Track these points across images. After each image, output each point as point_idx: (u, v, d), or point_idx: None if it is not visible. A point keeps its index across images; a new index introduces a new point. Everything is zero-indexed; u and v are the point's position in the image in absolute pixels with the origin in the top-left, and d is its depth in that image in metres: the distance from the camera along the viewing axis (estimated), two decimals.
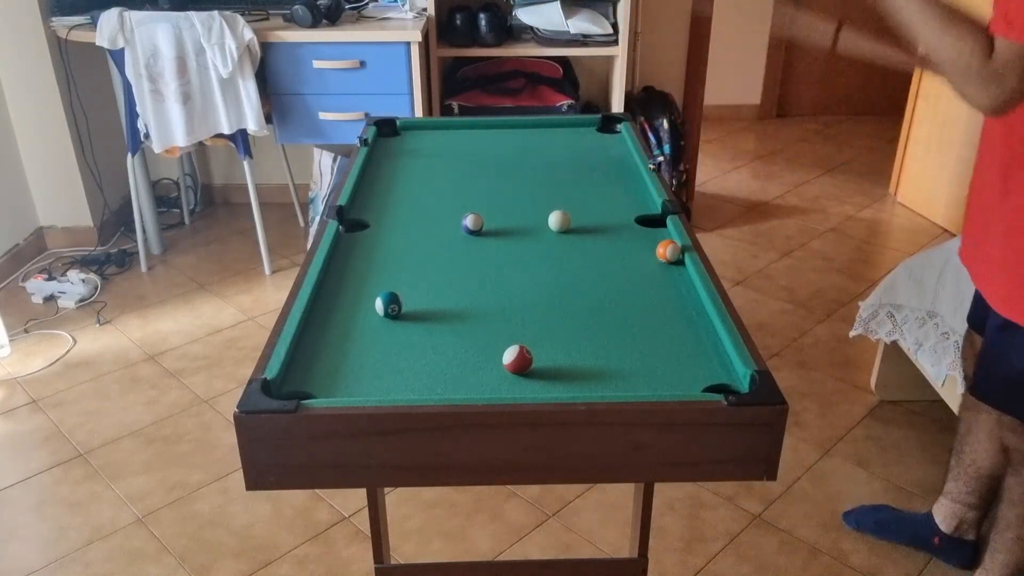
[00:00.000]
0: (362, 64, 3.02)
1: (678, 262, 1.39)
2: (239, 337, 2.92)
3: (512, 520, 2.10)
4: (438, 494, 2.18)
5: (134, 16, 2.85)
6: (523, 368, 1.10)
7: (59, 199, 3.45)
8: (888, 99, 5.16)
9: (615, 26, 3.19)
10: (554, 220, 1.52)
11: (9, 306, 3.11)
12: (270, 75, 3.06)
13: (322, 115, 3.10)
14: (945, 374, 2.11)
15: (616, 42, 3.20)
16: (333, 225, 1.51)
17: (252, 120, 3.05)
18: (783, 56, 5.14)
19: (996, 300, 1.54)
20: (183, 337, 2.92)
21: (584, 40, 3.18)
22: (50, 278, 3.20)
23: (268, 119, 3.15)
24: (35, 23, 3.14)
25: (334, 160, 3.26)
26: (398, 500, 2.16)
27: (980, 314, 1.70)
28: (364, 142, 1.92)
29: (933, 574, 1.95)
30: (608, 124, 2.05)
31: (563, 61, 3.41)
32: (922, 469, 2.28)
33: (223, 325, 3.00)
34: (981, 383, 1.71)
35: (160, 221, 3.58)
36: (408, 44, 3.00)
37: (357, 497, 2.16)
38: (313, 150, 3.38)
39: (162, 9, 2.96)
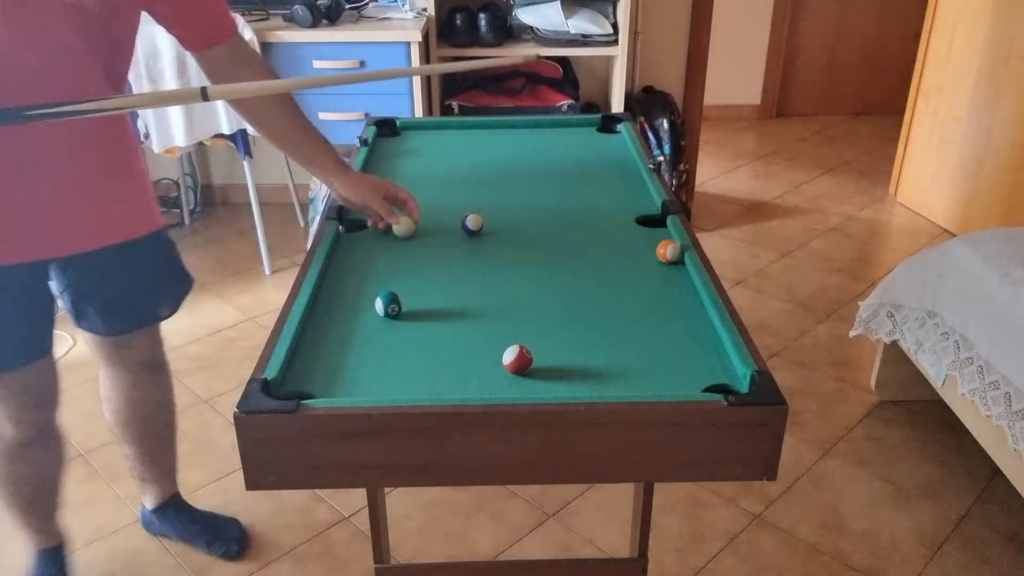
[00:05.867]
0: (362, 64, 3.02)
1: (678, 262, 1.39)
2: (239, 337, 2.92)
3: (512, 520, 2.10)
4: (438, 494, 2.18)
5: None
6: (523, 368, 1.10)
7: None
8: (888, 99, 5.16)
9: (615, 26, 3.19)
10: (401, 225, 1.51)
11: None
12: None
13: (322, 115, 3.10)
14: (945, 374, 2.11)
15: (616, 42, 3.19)
16: (333, 225, 1.51)
17: None
18: (783, 56, 5.14)
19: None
20: (183, 337, 2.92)
21: (584, 40, 3.18)
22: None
23: None
24: None
25: None
26: (398, 500, 2.16)
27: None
28: (364, 142, 1.92)
29: (932, 574, 1.95)
30: (608, 124, 2.05)
31: (563, 61, 3.41)
32: (922, 469, 2.28)
33: (223, 325, 3.00)
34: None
35: None
36: (408, 44, 3.00)
37: (357, 497, 2.16)
38: None
39: None
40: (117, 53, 1.49)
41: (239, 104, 1.57)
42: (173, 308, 1.78)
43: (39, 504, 1.83)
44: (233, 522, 2.05)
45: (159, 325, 1.81)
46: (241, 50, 1.57)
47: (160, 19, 1.50)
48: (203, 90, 1.14)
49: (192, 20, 1.51)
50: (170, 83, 2.93)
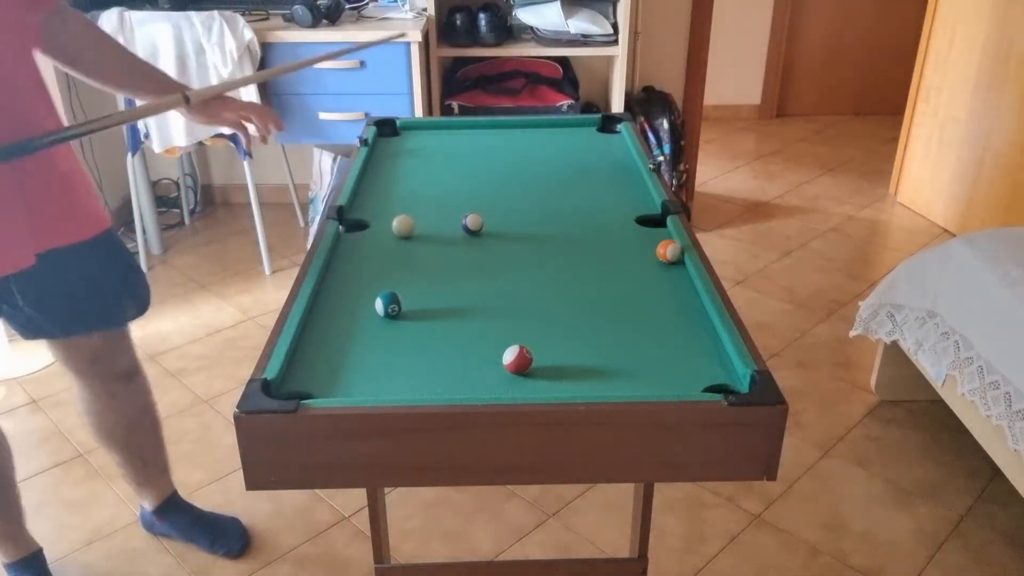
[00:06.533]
0: (362, 64, 3.02)
1: (678, 262, 1.39)
2: (239, 337, 2.92)
3: (512, 520, 2.10)
4: (438, 494, 2.18)
5: (134, 16, 2.85)
6: (523, 368, 1.10)
7: None
8: (888, 99, 5.16)
9: (615, 26, 3.19)
10: (399, 225, 1.51)
11: None
12: None
13: (322, 115, 3.10)
14: (945, 374, 2.11)
15: (616, 42, 3.19)
16: (333, 225, 1.51)
17: None
18: (783, 56, 5.14)
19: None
20: (183, 337, 2.92)
21: (584, 40, 3.18)
22: None
23: None
24: None
25: (334, 160, 3.26)
26: (398, 500, 2.16)
27: None
28: (364, 142, 1.93)
29: (932, 574, 1.95)
30: (608, 124, 2.06)
31: (563, 61, 3.41)
32: (922, 469, 2.28)
33: (223, 325, 3.00)
34: None
35: (160, 221, 3.58)
36: (408, 44, 3.00)
37: (357, 497, 2.16)
38: (313, 150, 3.38)
39: (162, 9, 2.96)
40: (29, 58, 1.47)
41: (76, 63, 1.61)
42: (139, 310, 1.73)
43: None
44: (234, 521, 2.05)
45: (128, 335, 1.78)
46: (71, 17, 1.57)
47: None
48: (184, 96, 1.14)
49: None
50: None
